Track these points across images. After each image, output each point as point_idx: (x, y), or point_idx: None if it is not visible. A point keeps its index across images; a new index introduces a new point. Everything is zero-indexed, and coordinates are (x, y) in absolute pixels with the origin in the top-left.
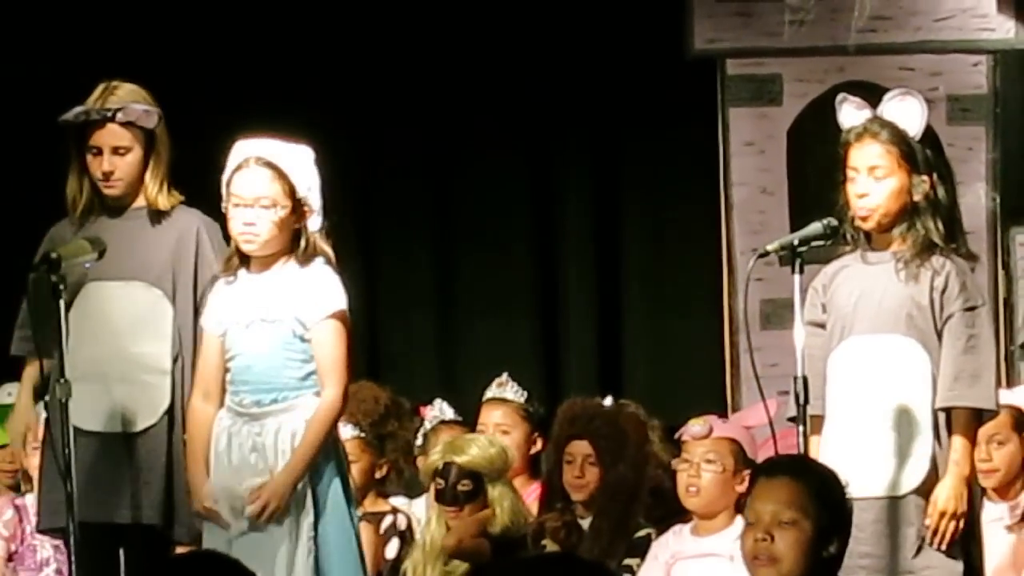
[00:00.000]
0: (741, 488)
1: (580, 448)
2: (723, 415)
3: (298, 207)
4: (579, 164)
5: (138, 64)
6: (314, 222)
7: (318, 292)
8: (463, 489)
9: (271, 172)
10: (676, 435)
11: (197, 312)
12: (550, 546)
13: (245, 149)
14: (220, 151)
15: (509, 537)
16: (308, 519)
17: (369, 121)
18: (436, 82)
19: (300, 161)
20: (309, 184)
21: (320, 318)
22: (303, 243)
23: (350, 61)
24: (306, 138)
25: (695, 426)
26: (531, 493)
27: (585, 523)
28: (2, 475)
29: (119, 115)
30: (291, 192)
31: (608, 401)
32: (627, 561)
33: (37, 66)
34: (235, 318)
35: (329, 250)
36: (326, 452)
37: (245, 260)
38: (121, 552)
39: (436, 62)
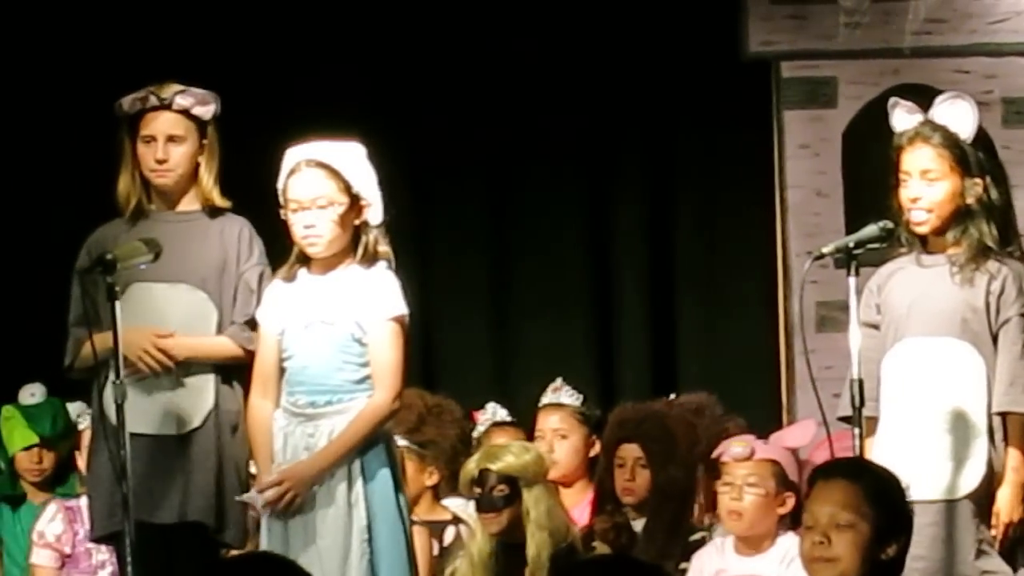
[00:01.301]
0: (783, 510)
1: (630, 451)
2: (764, 437)
3: (355, 203)
4: (634, 166)
5: (189, 71)
6: (375, 216)
7: (378, 295)
8: (499, 494)
9: (324, 171)
10: (715, 454)
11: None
12: (600, 549)
13: (296, 154)
14: (276, 159)
15: (555, 554)
16: (362, 522)
17: (424, 123)
18: (492, 84)
19: (352, 157)
20: (364, 179)
21: (378, 321)
22: (364, 244)
23: (406, 64)
24: (361, 140)
25: (736, 447)
26: (591, 498)
27: (637, 526)
28: (29, 474)
29: (177, 99)
30: (346, 188)
31: (672, 397)
32: (684, 565)
33: (81, 73)
34: (294, 319)
35: (390, 252)
36: (378, 451)
37: (305, 260)
38: (167, 554)
39: (492, 64)
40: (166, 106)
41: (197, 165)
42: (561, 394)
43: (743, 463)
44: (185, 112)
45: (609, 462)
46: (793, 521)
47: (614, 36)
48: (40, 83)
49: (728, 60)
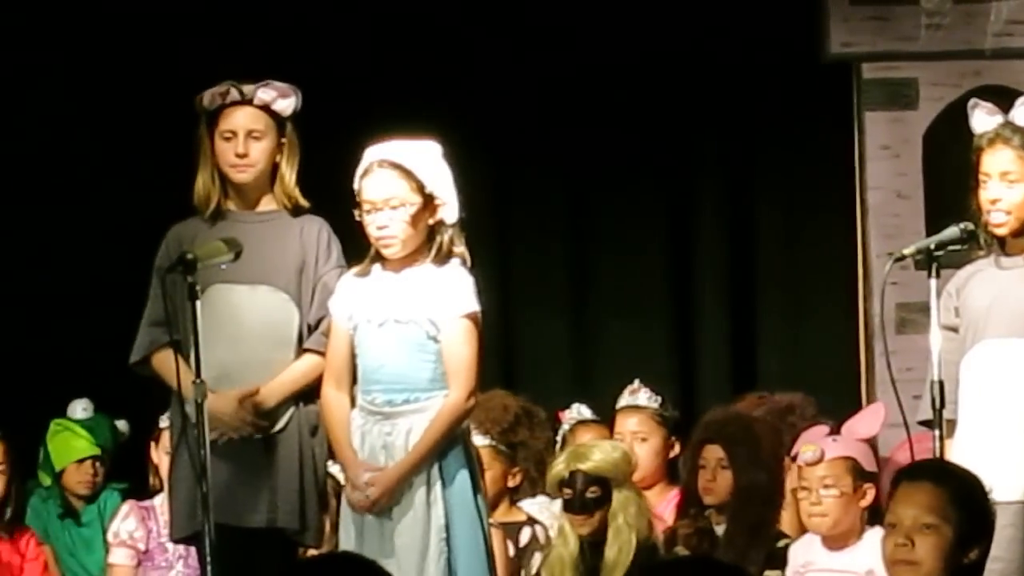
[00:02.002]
0: (865, 502)
1: (713, 453)
2: (835, 429)
3: (429, 202)
4: (714, 167)
5: (268, 70)
6: (450, 215)
7: (451, 293)
8: (591, 496)
9: (396, 171)
10: (791, 455)
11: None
12: (682, 553)
13: (369, 154)
14: (356, 158)
15: (640, 550)
16: (440, 520)
17: (505, 124)
18: (572, 84)
19: (425, 156)
20: (438, 178)
21: (451, 319)
22: (438, 243)
23: (487, 63)
24: (441, 140)
25: (807, 453)
26: (671, 500)
27: (720, 530)
28: (81, 486)
29: (258, 94)
30: (419, 188)
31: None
32: (768, 573)
33: (161, 70)
34: (367, 315)
35: (465, 251)
36: (457, 453)
37: (381, 257)
38: (248, 555)
39: (572, 63)
40: (247, 101)
41: (276, 163)
42: (639, 396)
43: (816, 466)
44: (265, 107)
45: (694, 463)
46: (873, 513)
47: (695, 38)
48: (120, 79)
49: (809, 62)
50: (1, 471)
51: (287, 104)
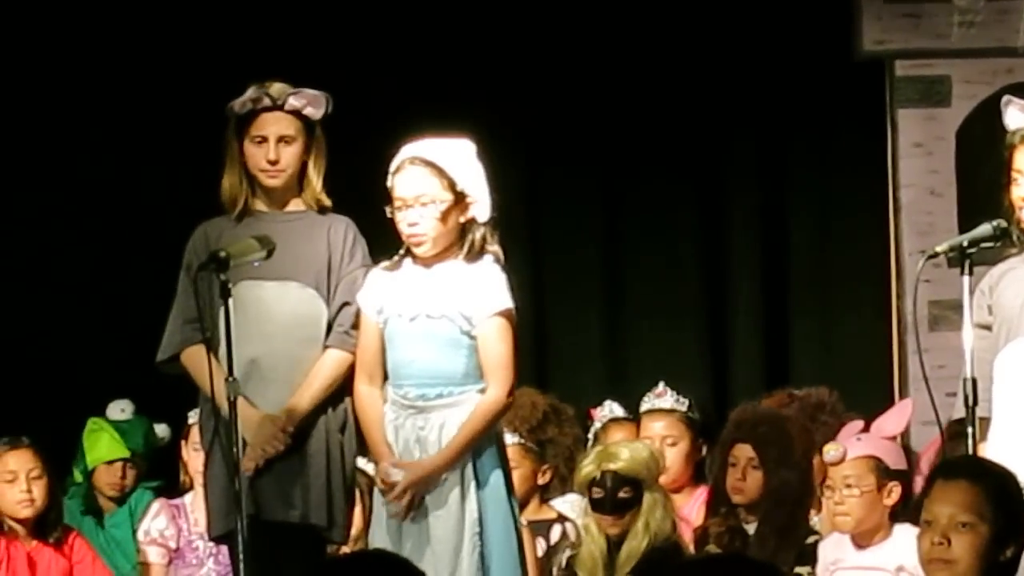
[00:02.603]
0: (891, 500)
1: (743, 452)
2: (867, 423)
3: (460, 200)
4: (748, 165)
5: (301, 70)
6: (481, 213)
7: (485, 290)
8: (624, 497)
9: (427, 169)
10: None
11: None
12: (713, 551)
13: (403, 152)
14: (392, 156)
15: (659, 547)
16: (473, 515)
17: (538, 123)
18: (605, 83)
19: (458, 154)
20: (469, 175)
21: (486, 316)
22: (470, 240)
23: (520, 62)
24: (475, 140)
25: (829, 452)
26: (697, 498)
27: (750, 528)
28: (109, 488)
29: (290, 100)
30: (450, 186)
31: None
32: (798, 569)
33: (190, 72)
34: (398, 310)
35: (498, 248)
36: (491, 452)
37: (410, 251)
38: (277, 551)
39: (605, 62)
40: (278, 106)
41: (304, 164)
42: (665, 399)
43: (839, 465)
44: (296, 113)
45: (724, 462)
46: (904, 507)
47: (728, 36)
48: (152, 81)
49: (842, 59)
50: (36, 477)
51: (318, 110)
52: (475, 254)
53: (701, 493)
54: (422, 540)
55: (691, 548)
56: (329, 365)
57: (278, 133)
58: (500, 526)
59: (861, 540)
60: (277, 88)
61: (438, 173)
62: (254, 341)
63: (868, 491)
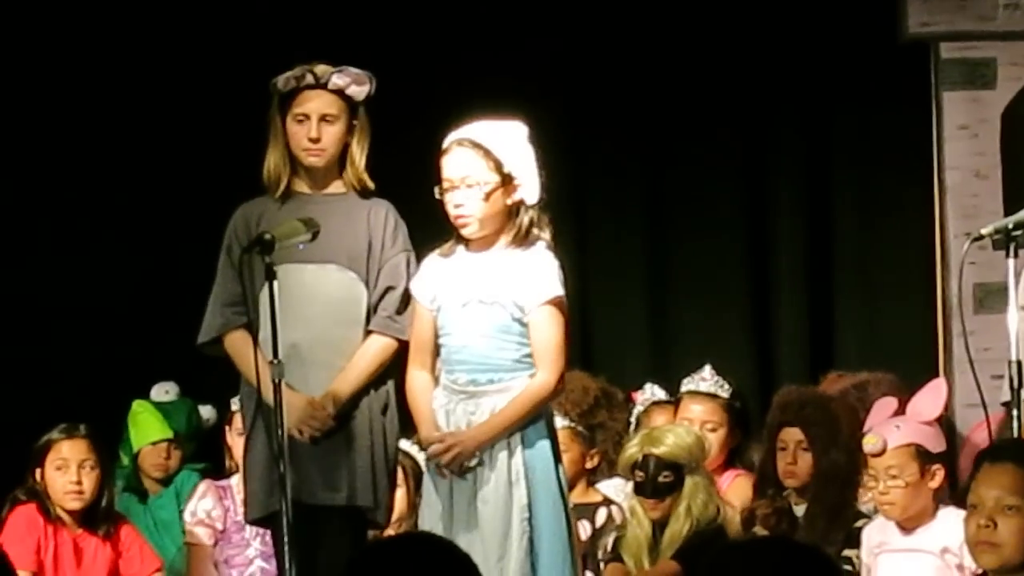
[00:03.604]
0: (935, 484)
1: (792, 435)
2: (902, 407)
3: (507, 182)
4: (792, 148)
5: (349, 50)
6: (530, 196)
7: (537, 277)
8: (664, 481)
9: (474, 150)
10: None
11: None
12: (761, 533)
13: (452, 134)
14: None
15: (702, 531)
16: (522, 500)
17: (582, 106)
18: (650, 67)
19: (507, 137)
20: (517, 158)
21: (538, 303)
22: (517, 224)
23: (568, 46)
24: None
25: (869, 444)
26: (725, 480)
27: (799, 511)
28: (154, 469)
29: (333, 79)
30: (497, 167)
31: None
32: (846, 552)
33: (232, 52)
34: (451, 296)
35: (547, 234)
36: (541, 438)
37: (462, 237)
38: (319, 534)
39: (650, 46)
40: (321, 85)
41: (346, 146)
42: (709, 383)
43: (879, 456)
44: (339, 92)
45: (772, 445)
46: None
47: (773, 19)
48: (194, 62)
49: (887, 42)
50: (90, 468)
51: (361, 90)
52: (522, 237)
53: (730, 475)
54: (471, 525)
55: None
56: (373, 350)
57: (320, 111)
58: (550, 511)
59: (906, 524)
60: (321, 67)
61: (484, 155)
62: (294, 325)
63: (912, 479)
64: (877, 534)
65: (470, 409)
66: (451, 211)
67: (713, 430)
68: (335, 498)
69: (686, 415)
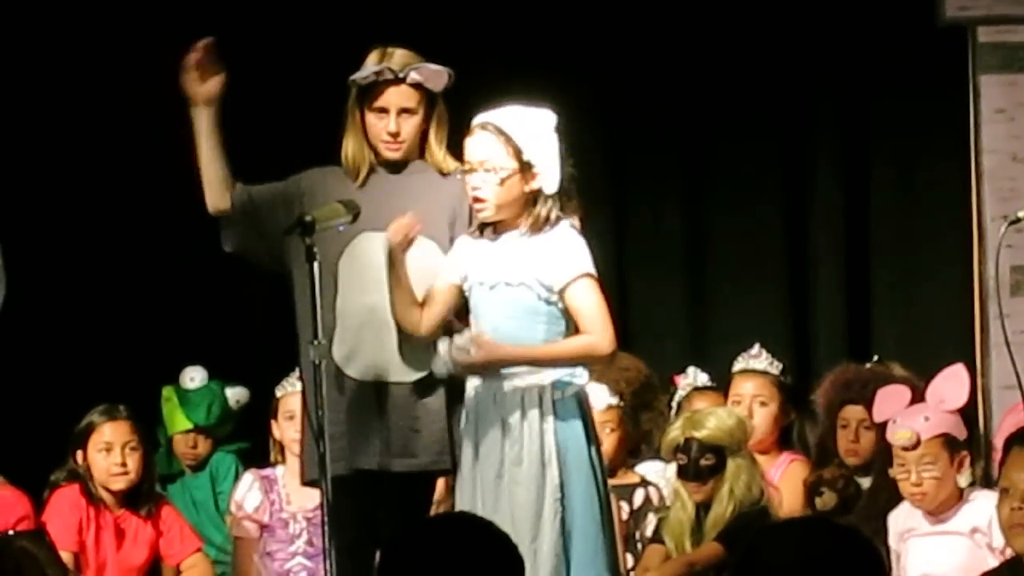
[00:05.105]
0: (963, 469)
1: (855, 413)
2: (922, 393)
3: (526, 169)
4: (829, 132)
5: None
6: (549, 184)
7: (562, 256)
8: (706, 464)
9: (495, 135)
10: (888, 435)
11: None
12: (828, 496)
13: (478, 117)
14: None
15: (745, 513)
16: (555, 483)
17: (621, 90)
18: (688, 50)
19: (531, 124)
20: (538, 145)
21: (568, 280)
22: (535, 212)
23: (604, 34)
24: (558, 106)
25: (903, 438)
26: (780, 466)
27: (864, 483)
28: (184, 457)
29: (411, 75)
30: (516, 154)
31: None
32: None
33: (282, 44)
34: (479, 278)
35: (574, 219)
36: (574, 418)
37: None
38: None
39: (688, 30)
40: (400, 79)
41: (424, 132)
42: (760, 360)
43: (912, 449)
44: (417, 84)
45: (832, 423)
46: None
47: (811, 3)
48: (269, 47)
49: (924, 25)
50: (133, 448)
51: (439, 81)
52: (540, 226)
53: (784, 460)
54: (501, 507)
55: (780, 513)
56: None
57: (399, 105)
58: (582, 492)
59: (936, 511)
60: (399, 61)
61: (505, 140)
62: (373, 288)
63: (944, 469)
64: (904, 520)
65: (497, 390)
66: (469, 193)
67: (764, 404)
68: (411, 464)
69: (738, 391)
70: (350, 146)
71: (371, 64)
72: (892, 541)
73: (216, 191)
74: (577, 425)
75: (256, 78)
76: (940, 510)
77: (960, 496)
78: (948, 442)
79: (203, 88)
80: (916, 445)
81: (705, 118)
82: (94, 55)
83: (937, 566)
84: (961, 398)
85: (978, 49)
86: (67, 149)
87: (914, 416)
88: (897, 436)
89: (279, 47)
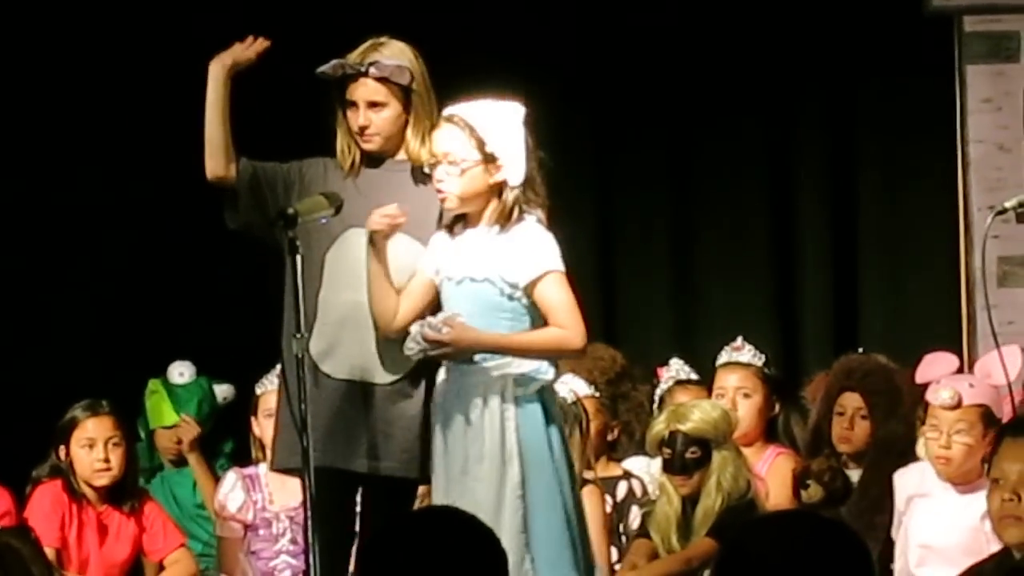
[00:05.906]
0: (988, 449)
1: (852, 401)
2: (960, 366)
3: (489, 161)
4: (815, 121)
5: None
6: (513, 177)
7: (528, 253)
8: (691, 457)
9: (458, 128)
10: (928, 394)
11: None
12: (814, 489)
13: (445, 111)
14: None
15: (734, 506)
16: (515, 480)
17: (606, 81)
18: (672, 43)
19: (494, 116)
20: (502, 137)
21: (533, 278)
22: (501, 204)
23: (592, 17)
24: (545, 102)
25: (944, 393)
26: (767, 459)
27: (852, 476)
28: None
29: (372, 70)
30: (479, 146)
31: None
32: None
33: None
34: (448, 273)
35: (538, 211)
36: (536, 414)
37: (461, 215)
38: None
39: (675, 20)
40: (363, 73)
41: (406, 124)
42: (743, 352)
43: (951, 410)
44: (383, 79)
45: (828, 409)
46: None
47: None
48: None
49: (910, 14)
50: (115, 444)
51: (402, 77)
52: (506, 217)
53: (771, 453)
54: (465, 503)
55: (766, 506)
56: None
57: (365, 99)
58: (545, 490)
59: (954, 480)
60: (356, 55)
61: (469, 132)
62: (359, 285)
63: (976, 439)
64: (915, 480)
65: (461, 384)
66: (435, 185)
67: (747, 396)
68: (363, 466)
69: (722, 384)
70: (339, 139)
71: (345, 58)
72: (899, 502)
73: (219, 158)
74: (540, 422)
75: (256, 74)
76: (960, 480)
77: (981, 472)
78: (986, 415)
79: (242, 57)
80: (956, 407)
81: (692, 110)
82: (93, 55)
83: (938, 537)
84: (1009, 376)
85: (964, 38)
86: (56, 143)
87: (960, 381)
88: (939, 395)
89: (281, 41)
